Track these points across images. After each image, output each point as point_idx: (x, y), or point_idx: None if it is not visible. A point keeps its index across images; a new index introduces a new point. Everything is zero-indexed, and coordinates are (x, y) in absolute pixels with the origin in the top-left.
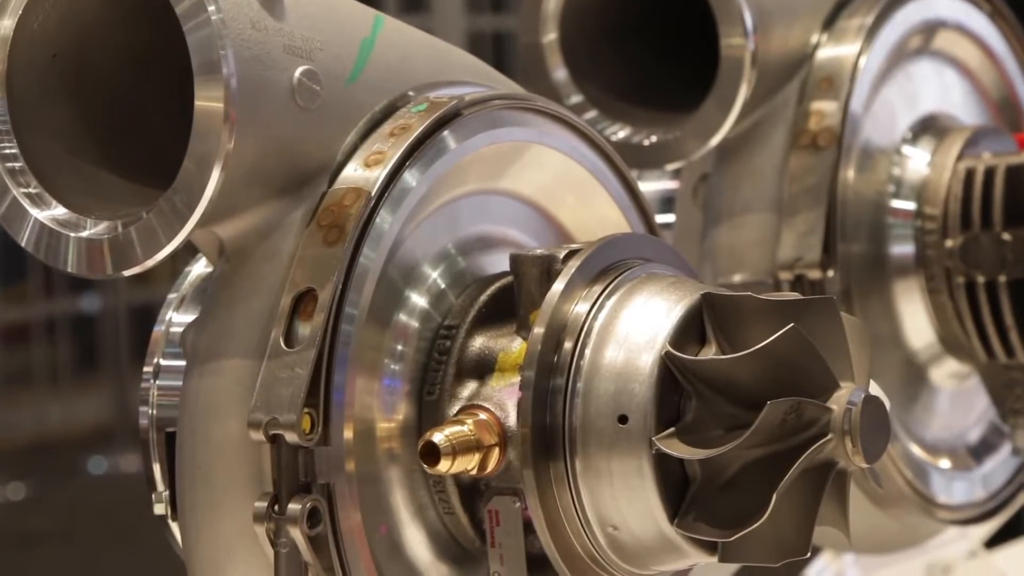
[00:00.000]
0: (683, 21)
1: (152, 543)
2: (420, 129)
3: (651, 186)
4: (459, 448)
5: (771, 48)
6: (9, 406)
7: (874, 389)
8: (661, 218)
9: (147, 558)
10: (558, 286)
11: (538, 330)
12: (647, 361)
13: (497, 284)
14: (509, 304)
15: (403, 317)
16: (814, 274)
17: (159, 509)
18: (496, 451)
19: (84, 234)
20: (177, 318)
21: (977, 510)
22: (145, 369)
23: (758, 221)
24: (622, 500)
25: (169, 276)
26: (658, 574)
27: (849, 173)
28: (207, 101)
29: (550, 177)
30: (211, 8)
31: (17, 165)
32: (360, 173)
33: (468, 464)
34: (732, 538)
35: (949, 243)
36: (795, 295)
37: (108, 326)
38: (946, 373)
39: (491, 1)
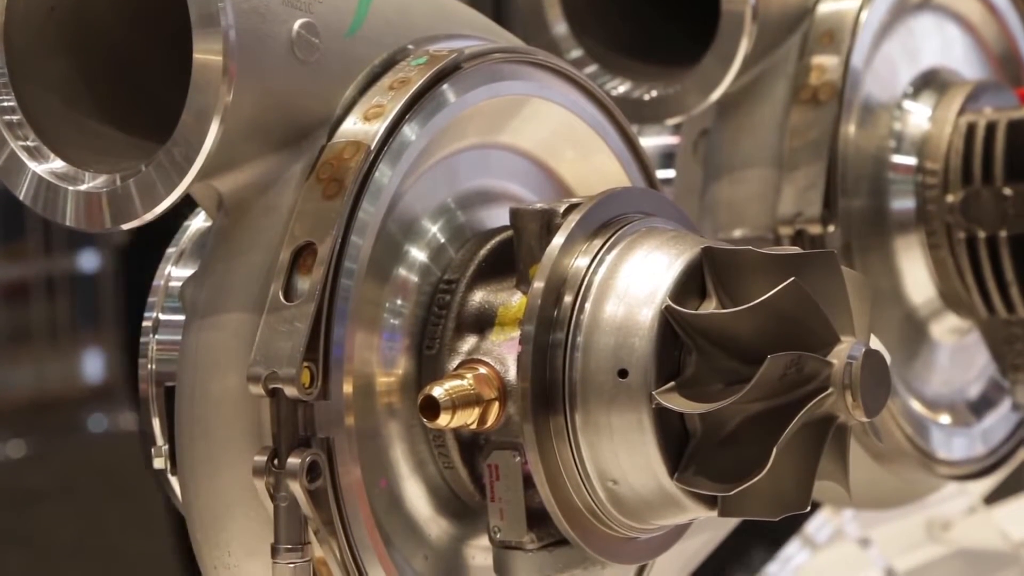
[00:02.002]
0: None
1: (151, 500)
2: (420, 83)
3: (651, 141)
4: (459, 402)
5: (772, 2)
6: (9, 363)
7: (874, 343)
8: (661, 173)
9: (146, 515)
10: (558, 240)
11: (538, 284)
12: (647, 315)
13: (497, 238)
14: (509, 258)
15: (402, 271)
16: (814, 229)
17: (158, 463)
18: (496, 405)
19: (82, 187)
20: (176, 272)
21: (976, 466)
22: (144, 324)
23: (758, 176)
24: (622, 454)
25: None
26: (658, 528)
27: (850, 128)
28: (206, 54)
29: (550, 131)
30: None
31: (15, 118)
32: (359, 126)
33: (468, 418)
34: (732, 492)
35: (950, 198)
36: (796, 249)
37: (108, 282)
38: (946, 328)
39: None
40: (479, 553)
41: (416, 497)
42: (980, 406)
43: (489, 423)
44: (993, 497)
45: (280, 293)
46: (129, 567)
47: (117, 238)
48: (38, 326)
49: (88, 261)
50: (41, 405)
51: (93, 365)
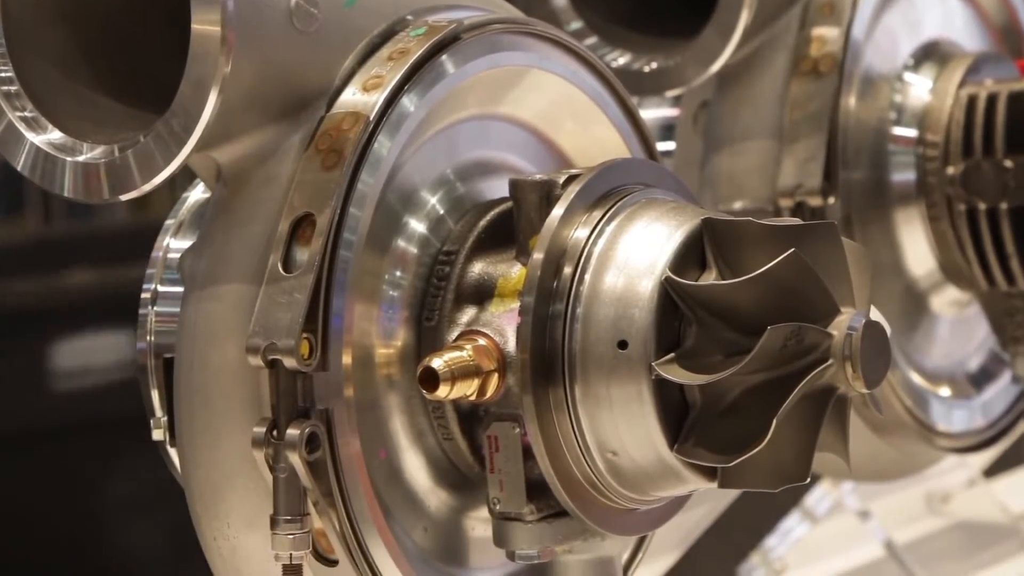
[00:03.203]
0: None
1: None
2: (419, 53)
3: (651, 113)
4: (458, 374)
5: None
6: None
7: (875, 314)
8: (662, 145)
9: None
10: (557, 211)
11: (537, 255)
12: (647, 286)
13: (496, 210)
14: (508, 230)
15: (402, 243)
16: (815, 201)
17: (157, 435)
18: (495, 377)
19: (81, 158)
20: (175, 244)
21: (976, 438)
22: (143, 295)
23: (759, 148)
24: (621, 426)
25: (168, 202)
26: (657, 500)
27: (850, 100)
28: (204, 24)
29: (550, 102)
30: None
31: (13, 89)
32: (358, 97)
33: (467, 390)
34: (731, 464)
35: (950, 170)
36: (796, 221)
37: None
38: (946, 301)
39: None
40: (479, 524)
41: (415, 469)
42: (980, 378)
43: (488, 394)
44: (993, 470)
45: (279, 264)
46: None
47: None
48: None
49: None
50: None
51: None
